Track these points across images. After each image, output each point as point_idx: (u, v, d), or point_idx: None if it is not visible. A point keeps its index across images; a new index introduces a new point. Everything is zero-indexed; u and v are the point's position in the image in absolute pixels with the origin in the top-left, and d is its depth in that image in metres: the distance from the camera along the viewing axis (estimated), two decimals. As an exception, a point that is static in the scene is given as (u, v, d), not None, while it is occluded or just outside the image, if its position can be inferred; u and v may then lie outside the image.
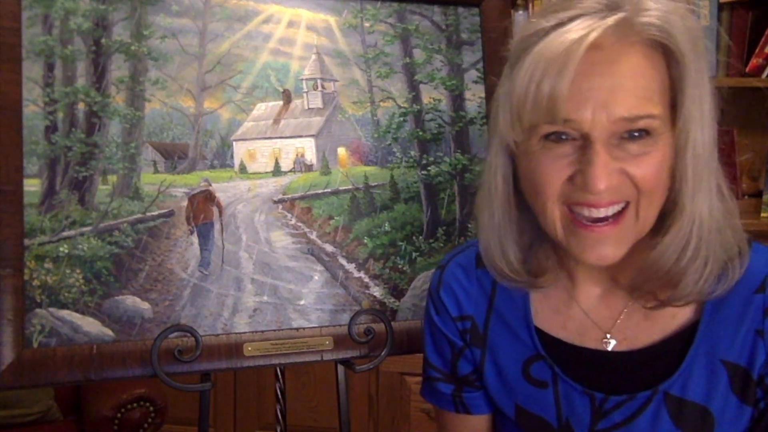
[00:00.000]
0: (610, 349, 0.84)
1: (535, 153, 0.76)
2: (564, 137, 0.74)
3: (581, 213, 0.75)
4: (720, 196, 0.78)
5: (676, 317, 0.82)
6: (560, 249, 0.84)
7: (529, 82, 0.72)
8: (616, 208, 0.75)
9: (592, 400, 0.84)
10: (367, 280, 1.27)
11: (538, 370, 0.87)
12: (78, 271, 1.13)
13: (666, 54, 0.74)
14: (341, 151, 1.29)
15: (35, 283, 1.10)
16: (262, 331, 1.18)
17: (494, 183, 0.83)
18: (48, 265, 1.11)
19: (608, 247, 0.75)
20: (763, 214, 2.13)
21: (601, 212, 0.75)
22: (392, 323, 1.21)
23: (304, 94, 1.28)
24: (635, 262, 0.80)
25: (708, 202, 0.76)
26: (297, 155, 1.28)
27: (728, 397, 0.80)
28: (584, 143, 0.73)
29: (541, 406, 0.87)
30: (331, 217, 1.27)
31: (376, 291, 1.26)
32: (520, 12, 2.44)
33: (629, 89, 0.71)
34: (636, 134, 0.72)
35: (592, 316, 0.86)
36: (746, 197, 2.10)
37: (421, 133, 1.32)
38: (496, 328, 0.92)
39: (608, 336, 0.84)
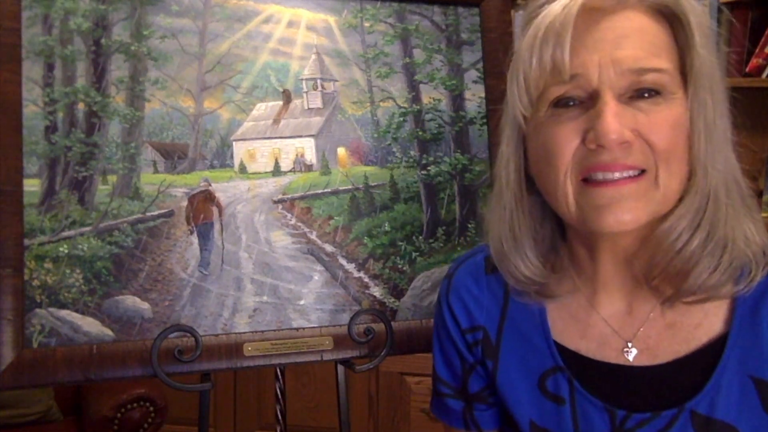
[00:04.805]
0: (631, 359, 0.79)
1: (544, 124, 0.74)
2: (571, 103, 0.73)
3: (595, 178, 0.72)
4: (737, 187, 0.76)
5: (700, 328, 0.78)
6: (578, 249, 0.82)
7: (533, 48, 0.72)
8: (632, 173, 0.71)
9: (613, 418, 0.78)
10: (367, 280, 1.27)
11: (555, 384, 0.83)
12: (78, 271, 1.13)
13: (670, 20, 0.73)
14: (341, 151, 1.29)
15: (35, 283, 1.10)
16: (262, 331, 1.18)
17: (506, 173, 0.81)
18: (48, 265, 1.11)
19: (626, 208, 0.71)
20: (763, 214, 2.13)
21: (616, 175, 0.71)
22: (392, 323, 1.20)
23: (304, 94, 1.28)
24: (651, 248, 0.76)
25: (723, 179, 0.73)
26: (297, 155, 1.28)
27: (759, 417, 0.74)
28: (593, 102, 0.71)
29: (557, 424, 0.82)
30: (331, 217, 1.27)
31: (376, 291, 1.26)
32: (520, 12, 2.44)
33: (635, 42, 0.71)
34: (645, 94, 0.71)
35: (613, 323, 0.81)
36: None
37: (421, 133, 1.32)
38: (509, 339, 0.87)
39: (629, 345, 0.80)
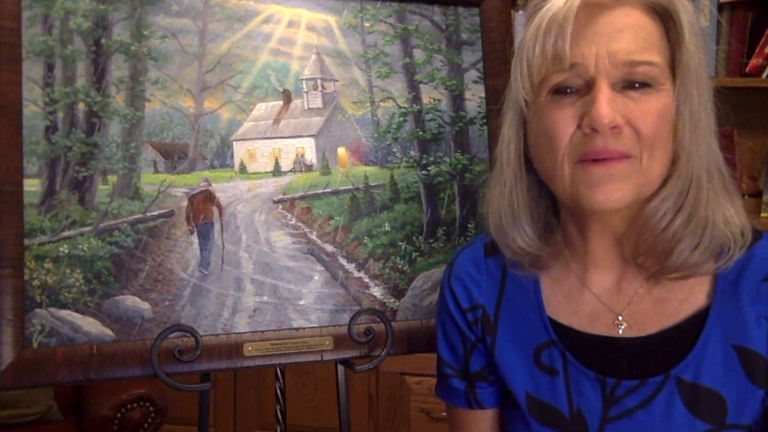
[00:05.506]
0: (621, 332, 0.85)
1: (543, 109, 0.81)
2: (569, 90, 0.79)
3: (589, 158, 0.78)
4: (719, 174, 0.82)
5: (686, 302, 0.84)
6: (570, 229, 0.88)
7: (536, 37, 0.78)
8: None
9: (603, 386, 0.85)
10: (367, 280, 1.27)
11: (549, 357, 0.89)
12: (78, 271, 1.13)
13: (663, 17, 0.80)
14: (341, 151, 1.29)
15: (35, 283, 1.10)
16: (262, 331, 1.18)
17: (507, 153, 0.87)
18: (48, 265, 1.11)
19: (614, 188, 0.77)
20: (763, 214, 2.13)
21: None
22: (392, 323, 1.21)
23: (304, 94, 1.28)
24: (638, 227, 0.82)
25: (705, 165, 0.80)
26: (297, 155, 1.28)
27: (741, 382, 0.81)
28: (589, 90, 0.78)
29: (552, 395, 0.88)
30: (331, 217, 1.27)
31: (376, 291, 1.26)
32: (520, 12, 2.44)
33: (630, 36, 0.77)
34: (636, 85, 0.77)
35: (604, 299, 0.87)
36: (746, 197, 2.10)
37: (421, 133, 1.32)
38: (506, 316, 0.93)
39: (620, 318, 0.86)
